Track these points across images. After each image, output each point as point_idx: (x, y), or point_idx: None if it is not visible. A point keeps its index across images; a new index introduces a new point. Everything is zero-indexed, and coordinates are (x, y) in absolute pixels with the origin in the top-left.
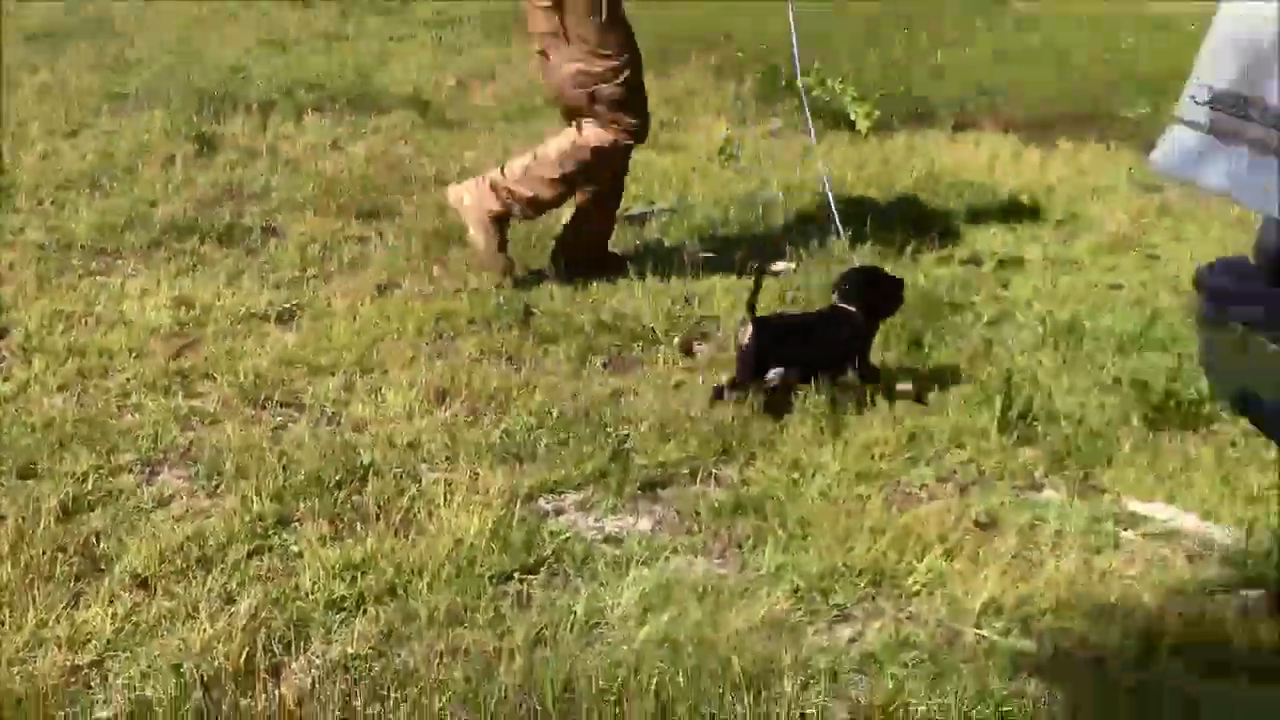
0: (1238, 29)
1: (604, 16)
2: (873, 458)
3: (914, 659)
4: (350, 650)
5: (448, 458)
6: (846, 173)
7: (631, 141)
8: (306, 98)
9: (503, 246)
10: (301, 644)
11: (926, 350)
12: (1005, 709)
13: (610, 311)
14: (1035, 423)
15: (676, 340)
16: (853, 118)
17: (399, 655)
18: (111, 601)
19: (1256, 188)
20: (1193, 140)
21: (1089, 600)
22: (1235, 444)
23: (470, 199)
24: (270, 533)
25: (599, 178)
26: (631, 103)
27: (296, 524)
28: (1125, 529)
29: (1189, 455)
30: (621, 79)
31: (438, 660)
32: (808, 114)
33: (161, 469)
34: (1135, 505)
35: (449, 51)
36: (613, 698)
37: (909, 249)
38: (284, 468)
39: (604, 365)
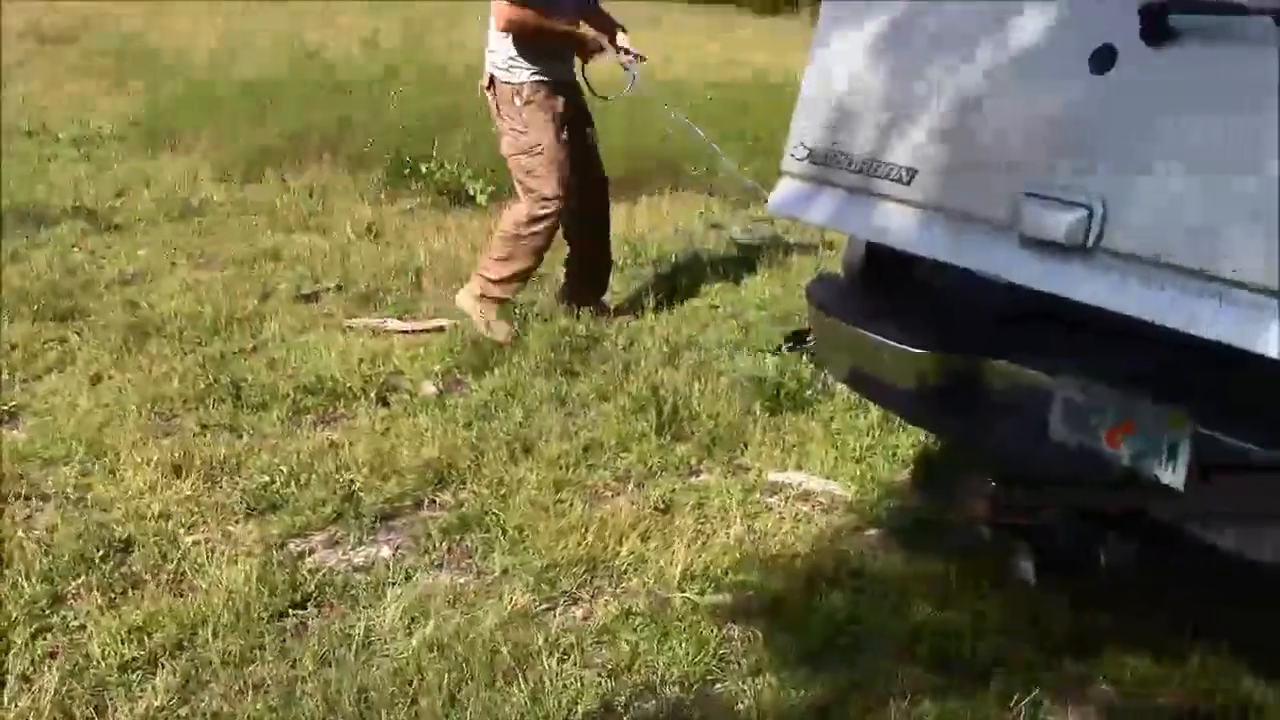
0: (819, 93)
1: (521, 100)
2: (561, 468)
3: (639, 625)
4: (156, 703)
5: (197, 521)
6: (479, 237)
7: (546, 211)
8: None
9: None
10: (107, 707)
11: (578, 375)
12: (721, 651)
13: (309, 376)
14: (683, 422)
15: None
16: (471, 192)
17: (203, 700)
18: None
19: (849, 217)
20: (798, 187)
21: (758, 557)
22: (833, 419)
23: (468, 303)
24: (48, 611)
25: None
26: (546, 176)
27: (71, 600)
28: (771, 496)
29: (803, 431)
30: (537, 154)
31: (239, 697)
32: None
33: None
34: (774, 476)
35: (100, 165)
36: (404, 699)
37: (543, 294)
38: (45, 551)
39: (314, 423)
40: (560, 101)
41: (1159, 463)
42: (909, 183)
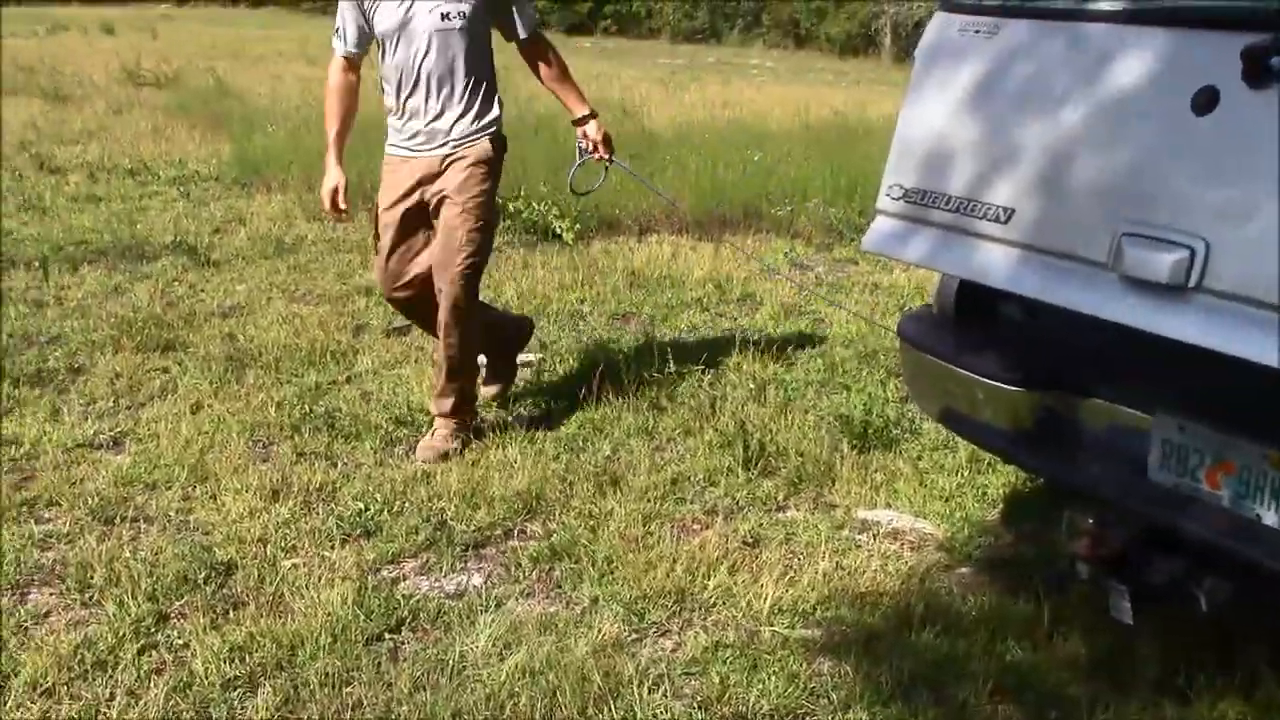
0: (915, 135)
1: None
2: (649, 500)
3: (729, 657)
4: None
5: (295, 546)
6: (565, 274)
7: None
8: (78, 252)
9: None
10: None
11: (664, 410)
12: (812, 685)
13: (401, 407)
14: (770, 458)
15: None
16: (558, 231)
17: (302, 719)
18: (19, 710)
19: (944, 256)
20: (893, 225)
21: (847, 592)
22: (920, 457)
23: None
24: (154, 630)
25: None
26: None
27: (175, 619)
28: (860, 533)
29: (891, 469)
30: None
31: (337, 718)
32: None
33: (31, 589)
34: (863, 513)
35: (197, 204)
36: None
37: (631, 327)
38: (150, 572)
39: (406, 453)
40: (402, 179)
41: (1260, 503)
42: (1006, 222)
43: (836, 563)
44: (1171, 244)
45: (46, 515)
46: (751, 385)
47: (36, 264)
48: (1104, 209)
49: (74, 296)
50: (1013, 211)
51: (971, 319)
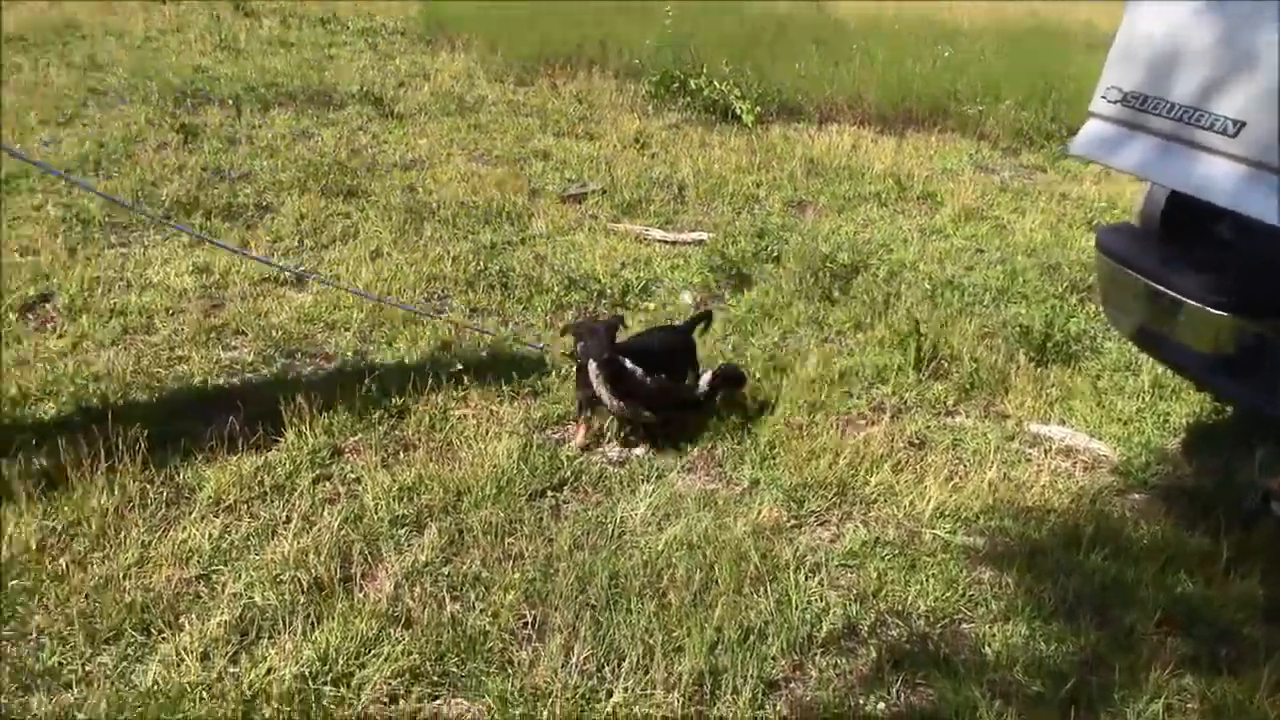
0: (1140, 36)
1: None
2: (815, 391)
3: (887, 555)
4: (422, 559)
5: (465, 398)
6: (742, 157)
7: None
8: (268, 94)
9: None
10: (380, 556)
11: (837, 303)
12: (970, 593)
13: (573, 273)
14: (942, 361)
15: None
16: (738, 112)
17: (464, 563)
18: (203, 523)
19: (1160, 166)
20: (1106, 130)
21: (1013, 505)
22: (1100, 377)
23: None
24: (329, 462)
25: None
26: None
27: (350, 455)
28: (1030, 446)
29: (1069, 386)
30: None
31: (498, 565)
32: None
33: (215, 412)
34: (1035, 427)
35: (383, 56)
36: (653, 591)
37: (808, 217)
38: (328, 407)
39: (575, 317)
40: None
41: None
42: (1235, 135)
43: (1004, 473)
44: None
45: (233, 343)
46: (927, 286)
47: (230, 102)
48: None
49: (264, 136)
50: (1243, 125)
51: (1178, 236)
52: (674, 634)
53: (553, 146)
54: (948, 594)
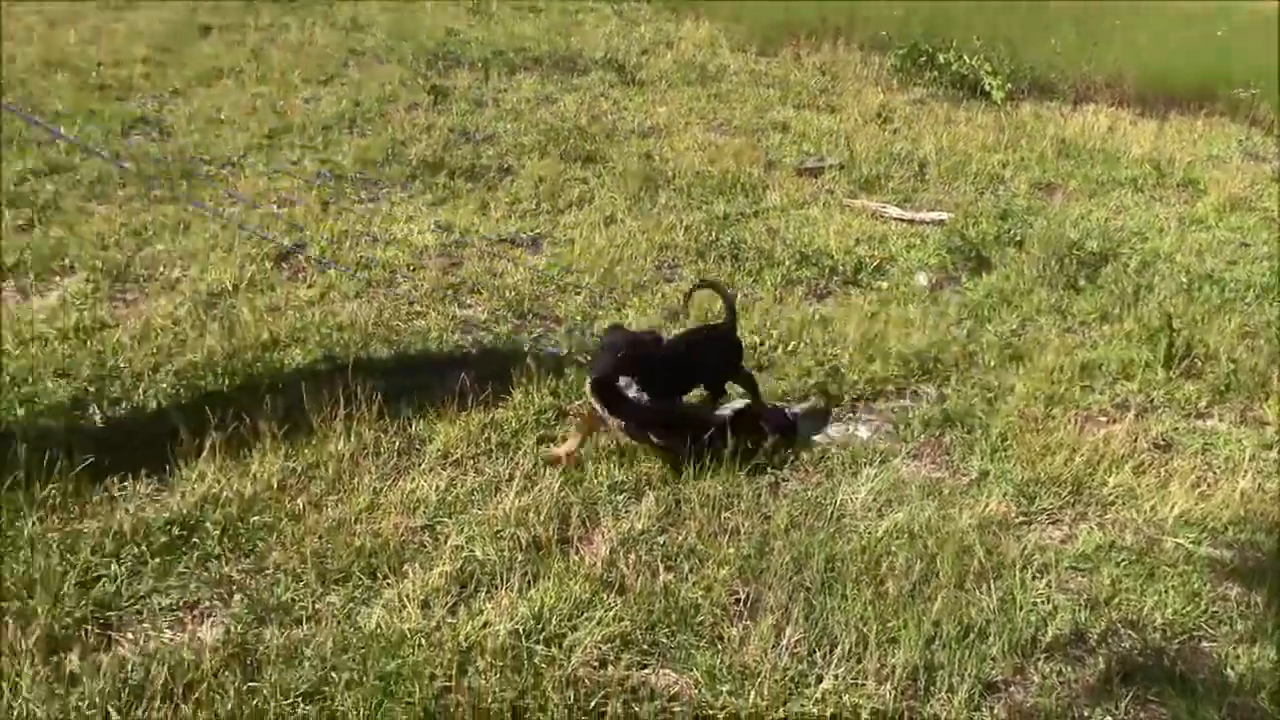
0: None
1: None
2: (1054, 383)
3: (1123, 561)
4: (639, 527)
5: None
6: (989, 134)
7: None
8: (516, 59)
9: None
10: (598, 520)
11: (1082, 292)
12: (1214, 610)
13: (805, 248)
14: (1196, 360)
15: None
16: (988, 89)
17: (680, 533)
18: (431, 475)
19: None
20: None
21: (1267, 518)
22: None
23: None
24: (553, 424)
25: None
26: None
27: (573, 417)
28: None
29: None
30: None
31: (713, 539)
32: None
33: (449, 368)
34: None
35: (629, 23)
36: (869, 578)
37: (1056, 200)
38: (554, 368)
39: (805, 295)
40: None
41: None
42: None
43: (1259, 484)
44: None
45: (468, 301)
46: (1183, 279)
47: (479, 65)
48: None
49: (509, 100)
50: None
51: None
52: (889, 624)
53: (792, 118)
54: (1188, 608)
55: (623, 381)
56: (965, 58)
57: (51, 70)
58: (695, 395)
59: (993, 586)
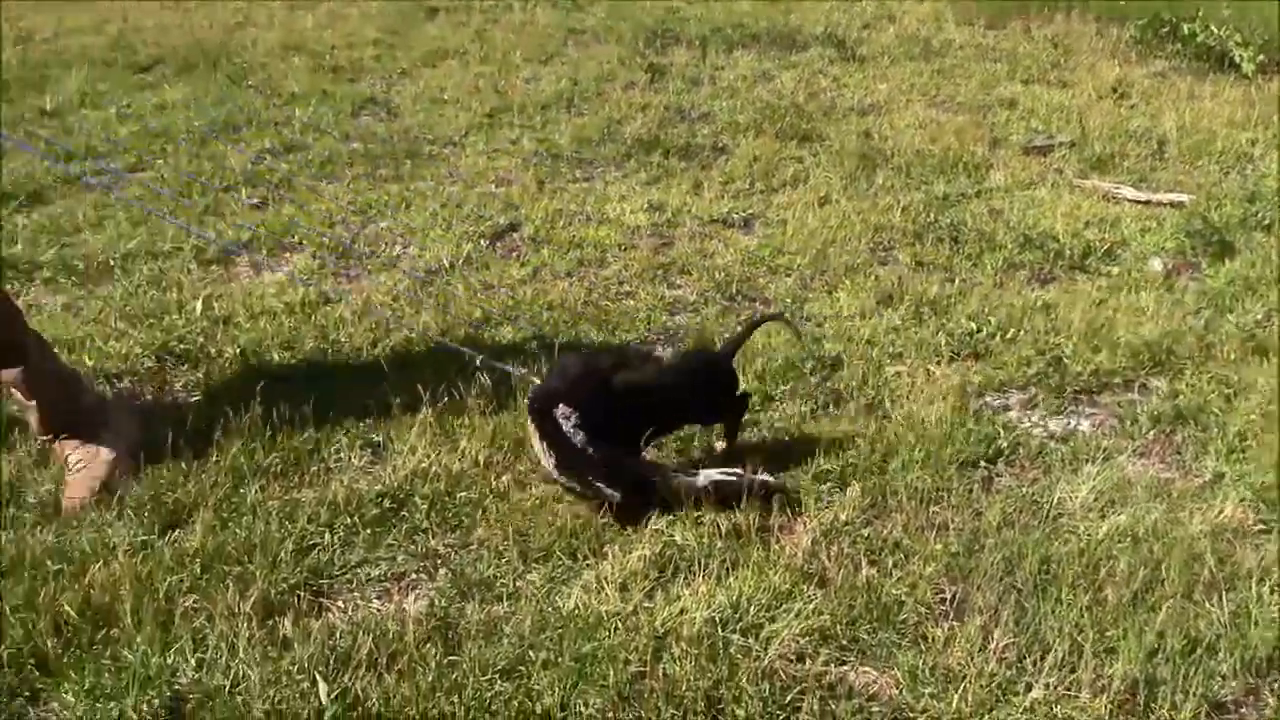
0: None
1: None
2: None
3: None
4: (843, 518)
5: (901, 354)
6: (1237, 110)
7: None
8: (734, 35)
9: None
10: (799, 510)
11: None
12: None
13: (1030, 230)
14: None
15: None
16: (1236, 60)
17: (885, 526)
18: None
19: None
20: None
21: None
22: None
23: None
24: (758, 409)
25: None
26: None
27: (779, 403)
28: None
29: None
30: None
31: (919, 533)
32: None
33: (656, 346)
34: None
35: None
36: (1087, 583)
37: None
38: (761, 353)
39: (1028, 280)
40: None
41: None
42: None
43: None
44: None
45: (678, 282)
46: None
47: (697, 42)
48: None
49: (725, 78)
50: None
51: None
52: (1107, 634)
53: (1020, 94)
54: None
55: (562, 411)
56: (1212, 27)
57: (289, 54)
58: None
59: (1224, 598)
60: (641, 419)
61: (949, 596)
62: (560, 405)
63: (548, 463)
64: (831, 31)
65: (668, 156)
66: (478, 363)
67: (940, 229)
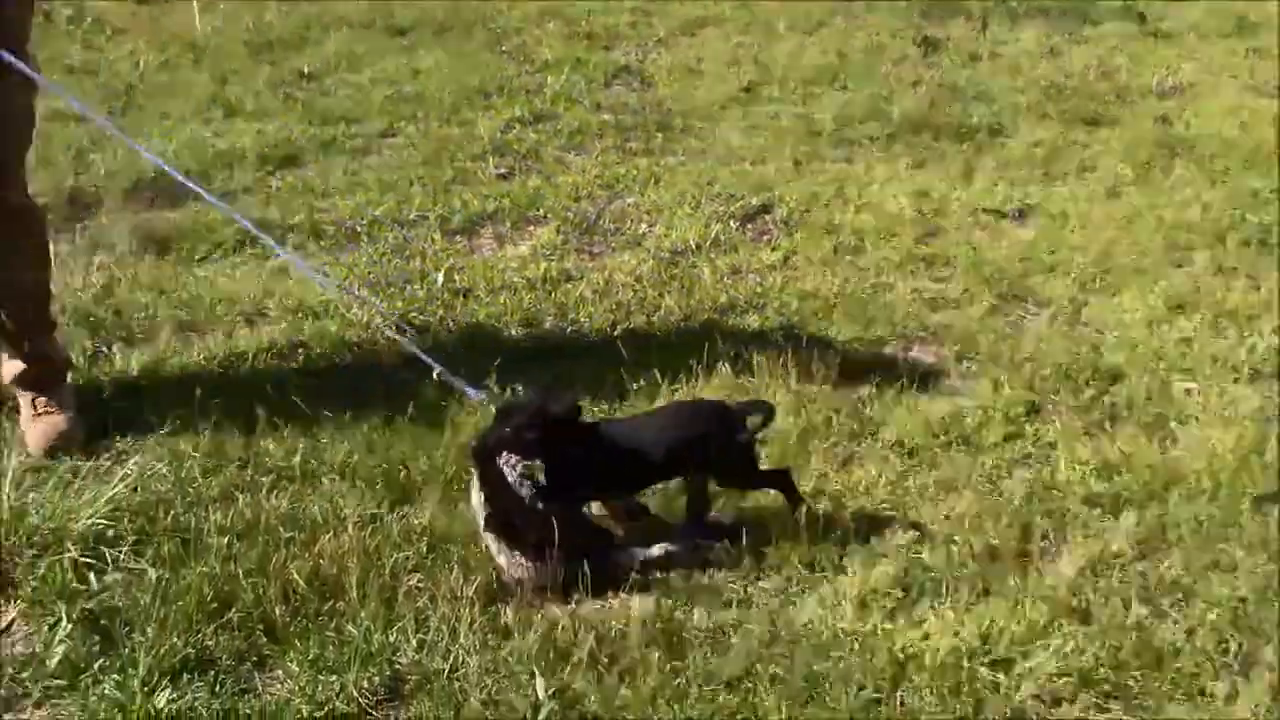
0: None
1: None
2: None
3: None
4: (1113, 548)
5: (1192, 370)
6: None
7: None
8: (1019, 6)
9: None
10: (1065, 535)
11: None
12: None
13: None
14: None
15: None
16: None
17: (1162, 562)
18: (883, 464)
19: None
20: None
21: None
22: None
23: None
24: (1022, 420)
25: None
26: None
27: (1048, 414)
28: None
29: None
30: None
31: (1202, 571)
32: None
33: (914, 345)
34: None
35: None
36: None
37: None
38: (1030, 358)
39: None
40: None
41: None
42: None
43: None
44: None
45: (941, 274)
46: None
47: (977, 14)
48: None
49: (1007, 53)
50: None
51: None
52: None
53: None
54: None
55: (506, 460)
56: None
57: (544, 19)
58: None
59: None
60: (622, 473)
61: (1233, 648)
62: (506, 453)
63: (481, 516)
64: (1131, 4)
65: (937, 138)
66: (434, 375)
67: (1247, 229)
